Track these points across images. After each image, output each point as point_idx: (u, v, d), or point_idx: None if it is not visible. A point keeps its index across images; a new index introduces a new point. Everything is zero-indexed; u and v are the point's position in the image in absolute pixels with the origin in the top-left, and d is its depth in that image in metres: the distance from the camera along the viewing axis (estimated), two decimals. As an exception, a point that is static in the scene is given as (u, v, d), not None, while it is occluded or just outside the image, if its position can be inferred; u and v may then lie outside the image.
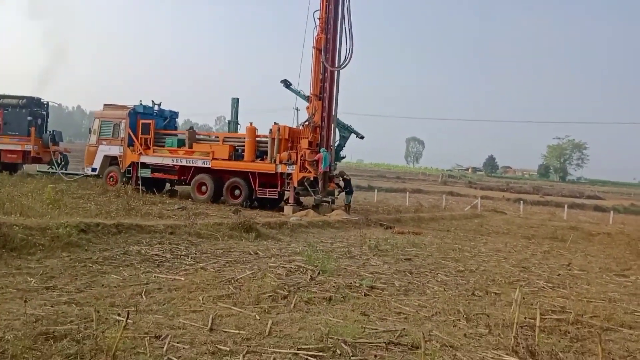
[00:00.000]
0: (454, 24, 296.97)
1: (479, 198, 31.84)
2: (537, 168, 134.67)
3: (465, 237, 15.04)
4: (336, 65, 17.78)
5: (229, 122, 23.11)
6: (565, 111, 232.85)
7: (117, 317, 4.90)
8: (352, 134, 20.16)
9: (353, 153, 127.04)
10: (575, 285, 8.58)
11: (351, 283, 7.19)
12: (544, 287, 8.22)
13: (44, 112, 25.20)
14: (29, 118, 23.66)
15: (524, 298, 6.52)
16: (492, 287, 7.81)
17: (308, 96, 18.71)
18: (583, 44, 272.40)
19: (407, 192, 34.28)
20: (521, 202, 33.71)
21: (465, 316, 5.94)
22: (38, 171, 24.98)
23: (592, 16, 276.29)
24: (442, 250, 11.30)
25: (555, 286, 8.36)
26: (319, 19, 17.90)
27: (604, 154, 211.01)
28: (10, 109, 23.69)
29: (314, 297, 6.29)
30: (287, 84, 19.99)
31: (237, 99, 22.41)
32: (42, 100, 25.19)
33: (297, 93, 19.57)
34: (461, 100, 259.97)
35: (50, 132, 24.96)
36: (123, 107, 21.00)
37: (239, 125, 21.80)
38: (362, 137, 20.77)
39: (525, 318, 5.85)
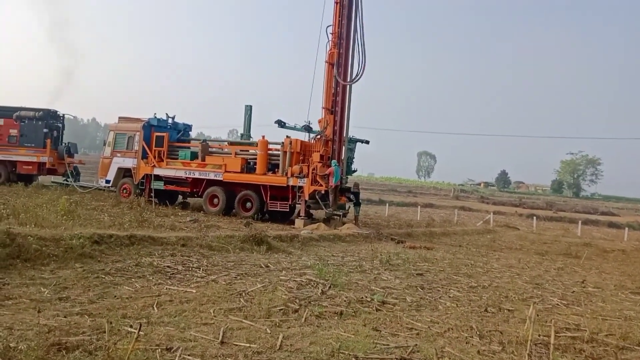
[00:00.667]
0: (466, 38, 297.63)
1: (492, 213, 31.60)
2: (550, 183, 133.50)
3: (478, 253, 14.91)
4: (348, 80, 17.88)
5: (242, 135, 23.29)
6: (578, 126, 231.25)
7: (129, 329, 4.91)
8: (357, 143, 20.26)
9: (364, 167, 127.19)
10: (590, 303, 8.44)
11: (362, 297, 7.14)
12: (558, 304, 8.09)
13: (60, 125, 25.57)
14: (45, 130, 24.01)
15: (537, 315, 6.44)
16: (505, 303, 7.72)
17: (304, 126, 19.27)
18: (597, 57, 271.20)
19: (419, 207, 34.12)
20: (534, 217, 33.39)
21: (478, 333, 5.87)
22: (52, 182, 25.29)
23: (608, 29, 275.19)
24: (454, 266, 11.20)
25: (570, 303, 8.24)
26: (332, 33, 18.07)
27: (618, 169, 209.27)
28: (27, 121, 24.07)
29: (325, 312, 6.26)
30: (281, 123, 20.42)
31: (250, 107, 22.66)
32: (58, 113, 25.58)
33: (293, 128, 20.08)
34: (473, 114, 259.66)
35: (65, 144, 25.31)
36: (137, 119, 21.23)
37: (251, 138, 21.96)
38: (367, 142, 20.86)
39: (539, 335, 5.77)
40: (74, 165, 25.73)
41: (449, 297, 7.90)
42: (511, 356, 5.14)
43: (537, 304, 7.62)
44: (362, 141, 20.55)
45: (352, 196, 18.97)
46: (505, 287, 9.13)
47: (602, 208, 63.20)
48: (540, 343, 5.56)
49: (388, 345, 5.20)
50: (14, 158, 23.81)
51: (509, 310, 7.29)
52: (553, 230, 29.13)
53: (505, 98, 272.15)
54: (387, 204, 34.31)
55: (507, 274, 10.95)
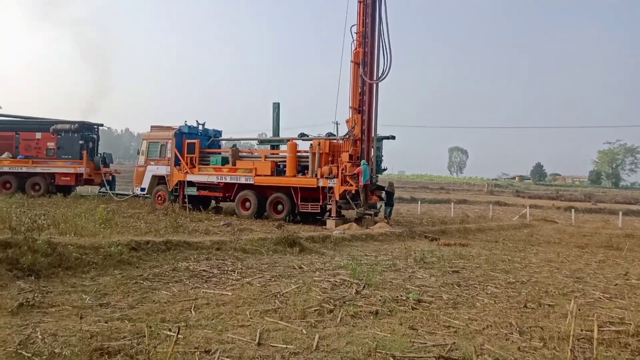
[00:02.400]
0: (497, 28, 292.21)
1: (528, 207, 30.90)
2: (588, 174, 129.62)
3: (515, 248, 14.61)
4: (374, 78, 17.79)
5: (272, 134, 23.28)
6: (615, 115, 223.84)
7: (168, 333, 5.00)
8: (383, 140, 20.13)
9: (394, 165, 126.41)
10: (634, 296, 8.15)
11: (397, 296, 7.08)
12: (600, 298, 7.85)
13: (95, 136, 26.32)
14: (80, 142, 24.74)
15: (579, 309, 6.26)
16: (545, 298, 7.53)
17: (328, 133, 19.39)
18: (632, 44, 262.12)
19: (452, 203, 33.64)
20: (572, 210, 32.47)
21: (518, 329, 5.74)
22: (99, 192, 25.89)
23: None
24: (491, 262, 11.00)
25: (613, 297, 7.97)
26: (356, 33, 18.02)
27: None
28: (63, 134, 24.84)
29: (360, 311, 6.24)
30: (304, 136, 20.45)
31: (278, 104, 22.74)
32: (92, 125, 26.29)
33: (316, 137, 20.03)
34: (505, 107, 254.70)
35: (100, 154, 26.02)
36: (169, 127, 21.65)
37: (279, 145, 21.86)
38: (393, 138, 20.70)
39: (581, 330, 5.60)
40: (111, 173, 26.43)
41: (487, 293, 7.76)
42: (553, 352, 5.01)
43: (578, 298, 7.41)
44: (387, 137, 20.44)
45: (383, 194, 18.86)
46: (545, 282, 8.91)
47: (644, 198, 61.00)
48: (583, 338, 5.40)
49: (425, 343, 5.14)
50: (53, 170, 24.60)
51: (549, 305, 7.10)
52: (592, 222, 28.28)
53: (537, 89, 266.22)
54: (419, 202, 33.93)
55: (546, 268, 10.69)
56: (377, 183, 18.80)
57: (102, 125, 27.22)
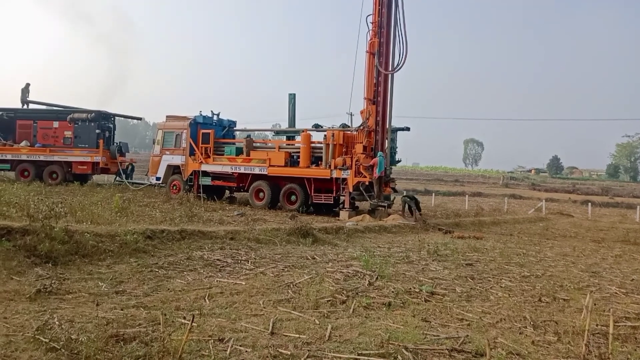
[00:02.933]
0: (513, 19, 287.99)
1: (544, 200, 30.59)
2: (606, 168, 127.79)
3: (530, 241, 14.48)
4: (390, 69, 17.67)
5: (288, 125, 23.29)
6: (634, 107, 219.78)
7: (183, 321, 5.06)
8: (398, 132, 20.04)
9: (408, 157, 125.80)
10: (652, 291, 8.04)
11: (410, 288, 7.07)
12: (616, 293, 7.75)
13: (111, 125, 26.55)
14: (97, 131, 24.96)
15: (595, 304, 6.19)
16: (560, 293, 7.46)
17: (342, 124, 19.32)
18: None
19: (467, 196, 33.42)
20: (589, 204, 32.04)
21: (532, 323, 5.70)
22: (116, 181, 26.22)
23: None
24: (505, 255, 10.91)
25: (629, 292, 7.87)
26: (372, 23, 17.88)
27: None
28: (80, 123, 25.09)
29: (373, 303, 6.24)
30: (318, 127, 20.44)
31: (294, 95, 22.76)
32: (109, 114, 26.53)
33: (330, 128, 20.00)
34: (521, 99, 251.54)
35: (117, 143, 26.27)
36: (184, 117, 21.76)
37: (295, 136, 21.84)
38: (408, 129, 20.62)
39: (597, 325, 5.54)
40: (131, 163, 26.71)
41: (501, 287, 7.71)
42: (567, 346, 4.97)
43: (594, 292, 7.32)
44: (402, 129, 20.34)
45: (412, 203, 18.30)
46: (560, 276, 8.83)
47: (663, 192, 59.98)
48: (598, 333, 5.35)
49: (438, 336, 5.13)
50: (70, 159, 24.88)
51: (564, 299, 7.04)
52: (609, 216, 27.89)
53: (554, 80, 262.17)
54: (434, 194, 33.76)
55: (561, 262, 10.58)
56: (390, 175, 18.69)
57: (141, 118, 27.86)
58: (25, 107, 26.84)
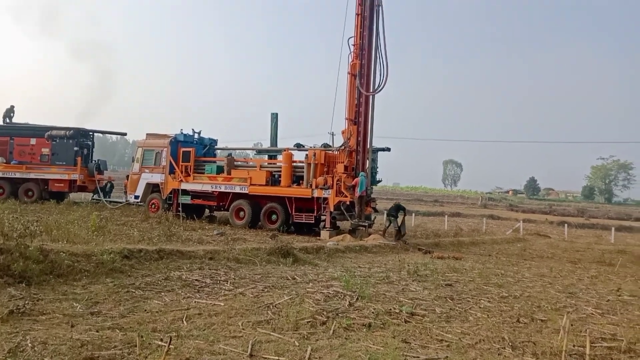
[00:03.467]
0: (491, 43, 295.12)
1: (521, 221, 31.00)
2: (581, 190, 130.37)
3: (508, 262, 14.63)
4: (371, 90, 17.89)
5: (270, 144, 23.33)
6: (608, 130, 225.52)
7: (160, 343, 4.96)
8: (379, 152, 20.23)
9: (389, 177, 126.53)
10: (626, 312, 8.17)
11: (391, 309, 7.07)
12: (592, 314, 7.86)
13: (90, 142, 26.24)
14: (75, 148, 24.65)
15: (572, 325, 6.27)
16: (537, 313, 7.54)
17: (324, 144, 19.37)
18: (627, 61, 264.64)
19: (446, 216, 33.70)
20: (565, 225, 32.59)
21: (510, 344, 5.74)
22: (93, 199, 25.80)
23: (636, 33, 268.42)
24: (484, 276, 11.00)
25: (605, 312, 7.99)
26: (354, 45, 18.16)
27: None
28: (58, 140, 24.75)
29: (353, 324, 6.21)
30: (300, 146, 20.50)
31: (276, 114, 22.81)
32: (88, 131, 26.24)
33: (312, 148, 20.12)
34: (499, 121, 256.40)
35: (95, 161, 25.94)
36: (164, 135, 21.65)
37: (277, 155, 21.86)
38: (388, 150, 20.81)
39: (574, 346, 5.61)
40: (109, 182, 26.36)
41: (480, 307, 7.76)
42: (545, 368, 5.01)
43: (571, 313, 7.41)
44: (383, 149, 20.56)
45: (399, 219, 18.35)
46: (538, 297, 8.92)
47: (636, 214, 61.14)
48: (575, 354, 5.41)
49: (418, 357, 5.12)
50: (46, 176, 24.48)
51: (541, 320, 7.11)
52: (585, 237, 28.39)
53: (531, 104, 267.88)
54: (414, 214, 33.95)
55: (539, 283, 10.70)
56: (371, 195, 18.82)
57: (125, 134, 29.33)
58: (1, 122, 26.40)
